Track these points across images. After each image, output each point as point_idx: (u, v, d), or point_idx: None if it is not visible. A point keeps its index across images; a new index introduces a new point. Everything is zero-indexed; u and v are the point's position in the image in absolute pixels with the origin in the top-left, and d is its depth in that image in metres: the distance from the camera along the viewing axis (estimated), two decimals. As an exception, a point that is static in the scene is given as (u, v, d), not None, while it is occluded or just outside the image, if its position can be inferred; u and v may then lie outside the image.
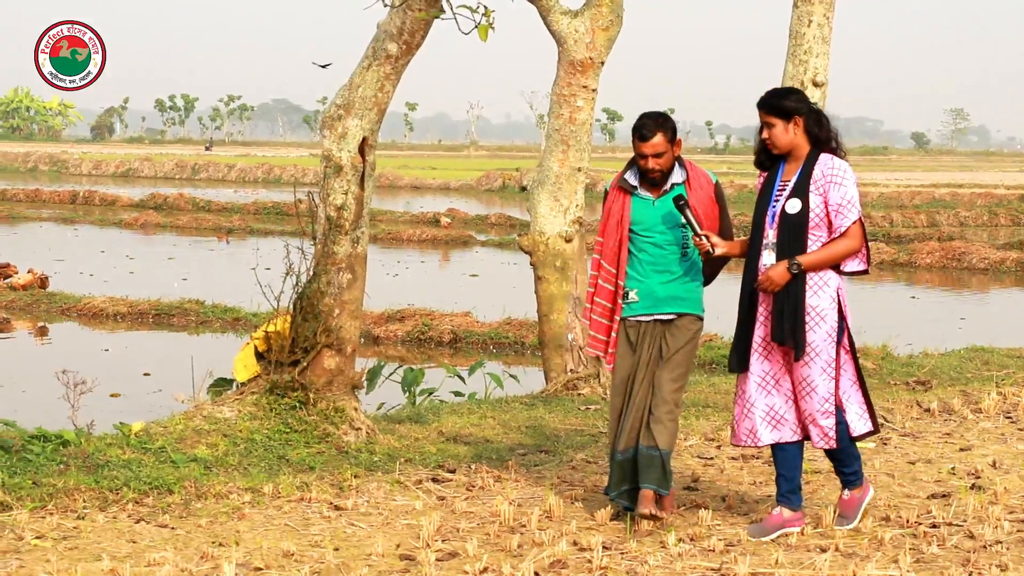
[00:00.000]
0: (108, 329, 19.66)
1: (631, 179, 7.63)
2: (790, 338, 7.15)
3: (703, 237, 7.38)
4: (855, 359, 7.36)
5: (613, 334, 7.67)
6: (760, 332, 7.30)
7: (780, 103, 7.26)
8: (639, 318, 7.59)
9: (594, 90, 11.94)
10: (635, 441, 7.52)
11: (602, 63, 11.91)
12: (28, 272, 22.51)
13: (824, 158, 7.23)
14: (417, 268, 29.34)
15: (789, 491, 7.34)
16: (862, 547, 7.10)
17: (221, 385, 11.17)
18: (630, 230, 7.60)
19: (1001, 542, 7.14)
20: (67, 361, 13.54)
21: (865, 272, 7.33)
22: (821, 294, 7.18)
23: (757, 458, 9.14)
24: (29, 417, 10.20)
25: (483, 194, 60.56)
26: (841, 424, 7.26)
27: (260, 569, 6.63)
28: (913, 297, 25.22)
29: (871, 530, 7.37)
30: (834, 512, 7.48)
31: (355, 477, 8.47)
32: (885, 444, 9.89)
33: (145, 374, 15.36)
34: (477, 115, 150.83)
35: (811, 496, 8.14)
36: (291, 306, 9.70)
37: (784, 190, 7.25)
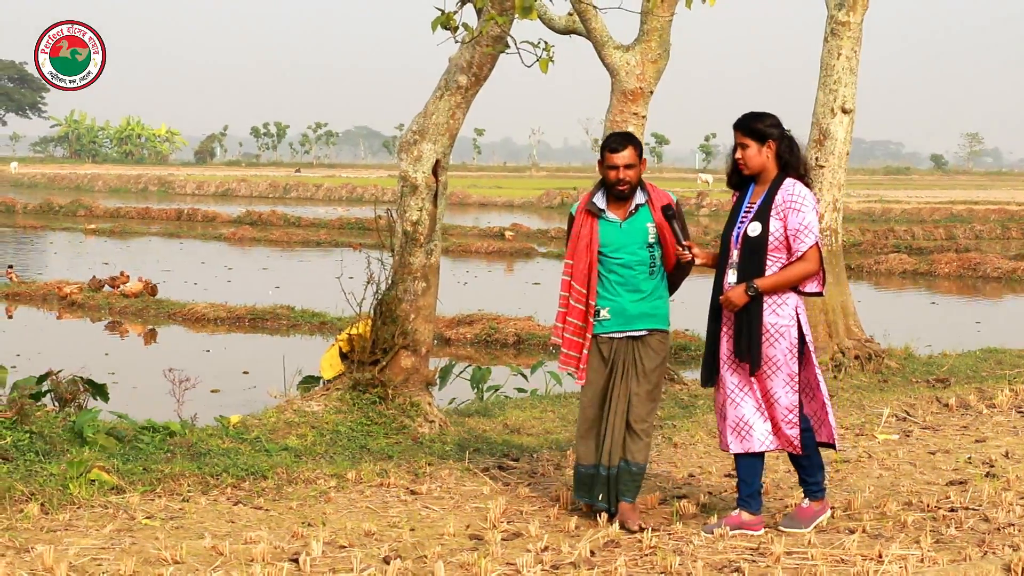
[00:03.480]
0: (209, 332, 19.77)
1: (599, 202, 7.27)
2: (747, 354, 6.87)
3: (686, 248, 7.11)
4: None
5: (585, 351, 7.30)
6: (726, 347, 7.00)
7: (755, 126, 6.94)
8: (611, 335, 7.26)
9: (644, 116, 11.91)
10: (618, 458, 7.20)
11: (651, 92, 11.88)
12: (139, 280, 22.69)
13: (787, 184, 6.90)
14: (484, 277, 29.32)
15: (749, 496, 7.02)
16: (887, 529, 7.04)
17: (309, 382, 11.20)
18: (599, 252, 7.25)
19: (1013, 524, 7.08)
20: (173, 360, 13.64)
21: (819, 295, 6.96)
22: (780, 311, 6.86)
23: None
24: (140, 410, 10.30)
25: (543, 210, 60.40)
26: (807, 432, 6.97)
27: (344, 547, 6.66)
28: (933, 303, 24.96)
29: (895, 514, 7.31)
30: (790, 513, 7.16)
31: (429, 465, 8.48)
32: (907, 436, 9.82)
33: (244, 372, 15.44)
34: (538, 140, 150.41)
35: (840, 483, 8.09)
36: (372, 311, 9.75)
37: (750, 212, 6.94)
